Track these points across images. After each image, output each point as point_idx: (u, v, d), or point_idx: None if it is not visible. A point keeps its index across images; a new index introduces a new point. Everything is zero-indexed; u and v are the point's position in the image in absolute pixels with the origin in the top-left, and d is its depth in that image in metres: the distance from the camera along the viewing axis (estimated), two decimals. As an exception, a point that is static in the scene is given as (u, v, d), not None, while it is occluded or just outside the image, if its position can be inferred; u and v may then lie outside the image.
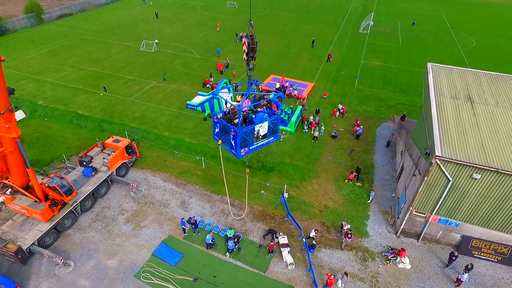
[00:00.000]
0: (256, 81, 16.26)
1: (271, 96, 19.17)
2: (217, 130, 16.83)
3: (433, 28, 67.74)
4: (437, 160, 18.81)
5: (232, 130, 15.56)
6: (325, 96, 40.51)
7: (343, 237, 22.55)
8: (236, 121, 15.82)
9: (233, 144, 15.96)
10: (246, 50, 14.76)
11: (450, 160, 18.51)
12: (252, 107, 17.13)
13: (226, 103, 17.62)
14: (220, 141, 16.73)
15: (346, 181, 28.04)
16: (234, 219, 24.72)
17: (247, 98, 16.45)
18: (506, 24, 72.67)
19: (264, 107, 17.06)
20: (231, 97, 33.95)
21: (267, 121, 16.10)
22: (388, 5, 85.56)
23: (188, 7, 77.77)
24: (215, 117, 16.58)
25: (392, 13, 78.34)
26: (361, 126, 33.35)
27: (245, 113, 16.78)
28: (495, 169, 17.89)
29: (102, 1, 76.78)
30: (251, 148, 16.37)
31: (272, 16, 72.18)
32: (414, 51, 56.00)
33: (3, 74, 17.04)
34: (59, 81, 42.63)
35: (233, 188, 27.08)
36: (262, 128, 16.09)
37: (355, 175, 28.10)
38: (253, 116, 16.40)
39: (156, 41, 54.53)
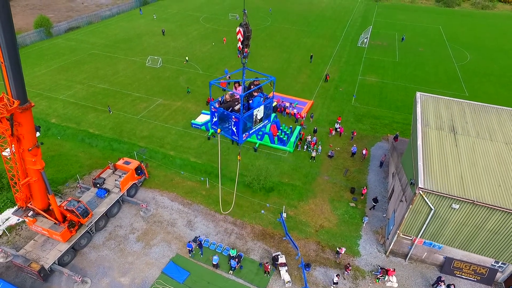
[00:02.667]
0: (246, 69, 16.28)
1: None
2: (215, 119, 17.16)
3: (430, 41, 69.64)
4: (420, 191, 20.86)
5: (233, 116, 16.02)
6: (339, 121, 40.15)
7: (344, 270, 24.29)
8: (236, 107, 16.24)
9: (234, 131, 16.47)
10: (241, 39, 14.93)
11: (431, 191, 20.56)
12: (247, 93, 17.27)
13: (223, 90, 17.70)
14: (219, 130, 17.07)
15: (362, 197, 30.17)
16: (236, 238, 26.84)
17: (243, 84, 16.63)
18: (501, 36, 74.50)
19: (260, 91, 17.43)
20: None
21: (263, 105, 16.71)
22: (387, 16, 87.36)
23: (191, 18, 79.87)
24: (212, 106, 16.88)
25: (390, 25, 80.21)
26: (359, 147, 35.13)
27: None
28: (471, 201, 19.93)
29: (107, 13, 79.03)
30: (250, 132, 16.99)
31: (273, 29, 74.22)
32: (410, 66, 57.91)
33: (32, 118, 19.18)
34: (69, 98, 44.84)
35: (234, 207, 29.02)
36: (259, 112, 16.75)
37: (374, 204, 29.64)
38: (250, 101, 16.90)
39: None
